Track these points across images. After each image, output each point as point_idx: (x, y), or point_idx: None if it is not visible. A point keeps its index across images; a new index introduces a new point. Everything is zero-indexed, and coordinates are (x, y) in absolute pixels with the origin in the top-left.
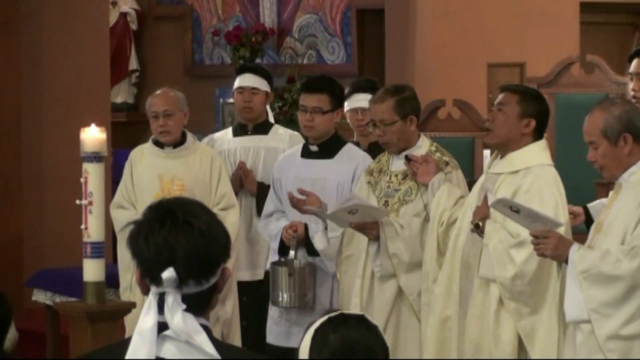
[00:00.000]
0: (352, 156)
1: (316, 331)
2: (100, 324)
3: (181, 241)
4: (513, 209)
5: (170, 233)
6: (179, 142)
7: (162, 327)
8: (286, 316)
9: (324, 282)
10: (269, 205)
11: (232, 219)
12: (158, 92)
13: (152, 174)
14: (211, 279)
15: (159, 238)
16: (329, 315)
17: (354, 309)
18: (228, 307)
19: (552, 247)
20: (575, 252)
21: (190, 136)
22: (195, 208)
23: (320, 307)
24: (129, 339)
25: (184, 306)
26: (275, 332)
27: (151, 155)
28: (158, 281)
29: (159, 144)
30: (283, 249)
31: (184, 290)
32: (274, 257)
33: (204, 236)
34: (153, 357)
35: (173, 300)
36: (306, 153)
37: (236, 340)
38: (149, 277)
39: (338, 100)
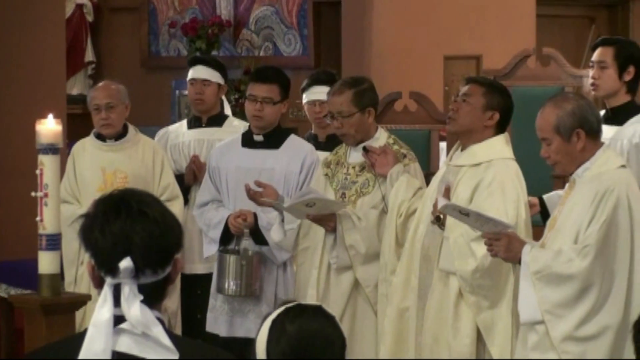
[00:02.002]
0: (298, 147)
1: (274, 322)
2: (56, 317)
3: (137, 230)
4: (463, 213)
5: (126, 222)
6: (121, 134)
7: (117, 320)
8: (229, 306)
9: (269, 272)
10: (205, 194)
11: (175, 211)
12: (99, 84)
13: (94, 167)
14: (166, 268)
15: (115, 228)
16: (286, 305)
17: (310, 300)
18: (174, 298)
19: (503, 249)
20: (527, 253)
21: (132, 128)
22: (148, 198)
23: (265, 297)
24: (83, 333)
25: (141, 297)
26: (219, 322)
27: (93, 148)
28: (114, 272)
29: (100, 137)
30: (226, 238)
31: (141, 280)
32: (210, 246)
33: (159, 225)
34: (109, 350)
35: (129, 290)
36: (248, 142)
37: (178, 331)
38: (104, 268)
39: (286, 92)
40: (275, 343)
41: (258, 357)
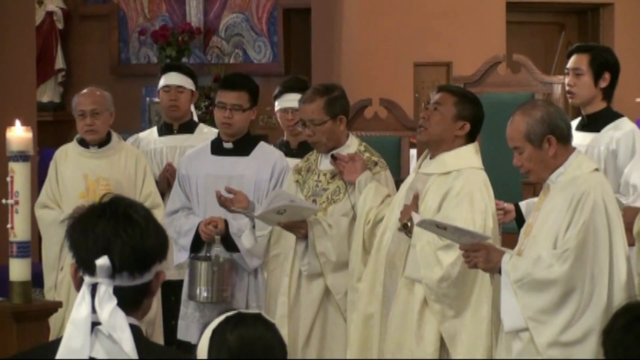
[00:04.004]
0: (268, 154)
1: (214, 331)
2: (27, 324)
3: (119, 232)
4: (440, 227)
5: (109, 223)
6: (104, 141)
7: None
8: (200, 313)
9: (240, 279)
10: (175, 202)
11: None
12: (85, 90)
13: (77, 173)
14: (145, 274)
15: (98, 228)
16: (226, 314)
17: (282, 307)
18: (153, 306)
19: (483, 260)
20: (507, 262)
21: (115, 136)
22: (136, 204)
23: (236, 303)
24: (58, 340)
25: (115, 300)
26: (191, 330)
27: (76, 154)
28: (92, 271)
29: (83, 143)
30: (197, 245)
31: (117, 281)
32: (180, 254)
33: (141, 229)
34: (88, 347)
35: (104, 291)
36: (218, 150)
37: (159, 339)
38: (83, 266)
39: (255, 99)
40: (216, 352)
41: None
